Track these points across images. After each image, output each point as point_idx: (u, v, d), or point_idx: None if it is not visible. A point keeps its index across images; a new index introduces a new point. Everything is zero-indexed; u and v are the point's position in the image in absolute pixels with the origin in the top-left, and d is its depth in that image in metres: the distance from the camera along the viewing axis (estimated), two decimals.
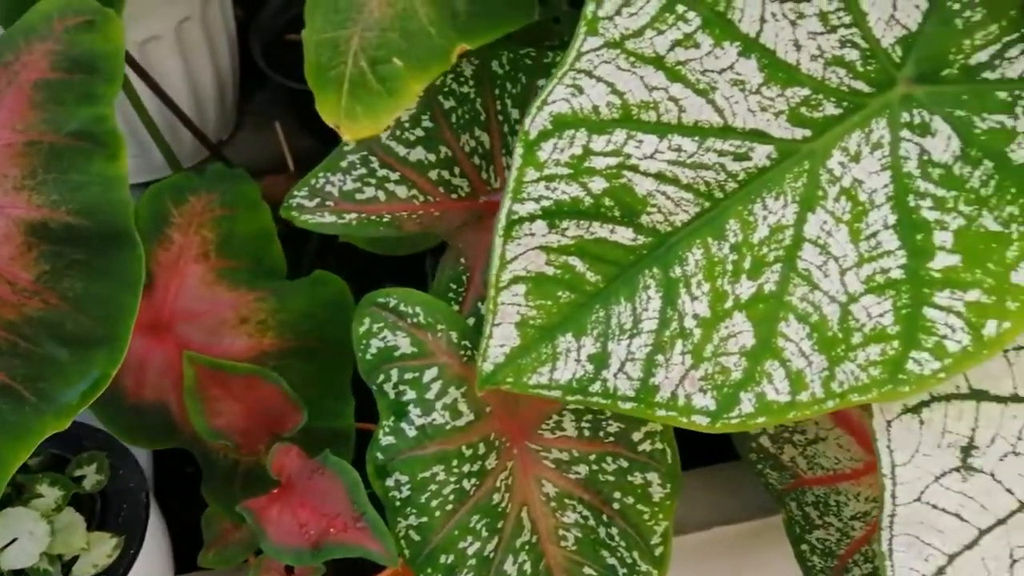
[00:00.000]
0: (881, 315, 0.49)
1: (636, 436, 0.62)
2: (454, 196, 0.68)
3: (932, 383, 0.47)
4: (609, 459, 0.62)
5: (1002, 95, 0.50)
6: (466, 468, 0.59)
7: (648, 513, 0.62)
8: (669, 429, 0.62)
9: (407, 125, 0.68)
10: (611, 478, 0.62)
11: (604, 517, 0.62)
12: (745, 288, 0.52)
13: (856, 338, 0.49)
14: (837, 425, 0.64)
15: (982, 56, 0.51)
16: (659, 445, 0.62)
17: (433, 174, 0.68)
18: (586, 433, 0.62)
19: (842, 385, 0.49)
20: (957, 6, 0.51)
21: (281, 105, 1.03)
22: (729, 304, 0.52)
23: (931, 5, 0.51)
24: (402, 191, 0.67)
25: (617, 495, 0.62)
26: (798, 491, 0.67)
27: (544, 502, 0.62)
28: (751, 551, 0.81)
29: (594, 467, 0.62)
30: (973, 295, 0.48)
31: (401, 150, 0.68)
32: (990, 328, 0.47)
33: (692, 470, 0.80)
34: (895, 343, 0.48)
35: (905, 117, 0.51)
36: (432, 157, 0.68)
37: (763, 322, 0.51)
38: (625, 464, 0.62)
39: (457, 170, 0.68)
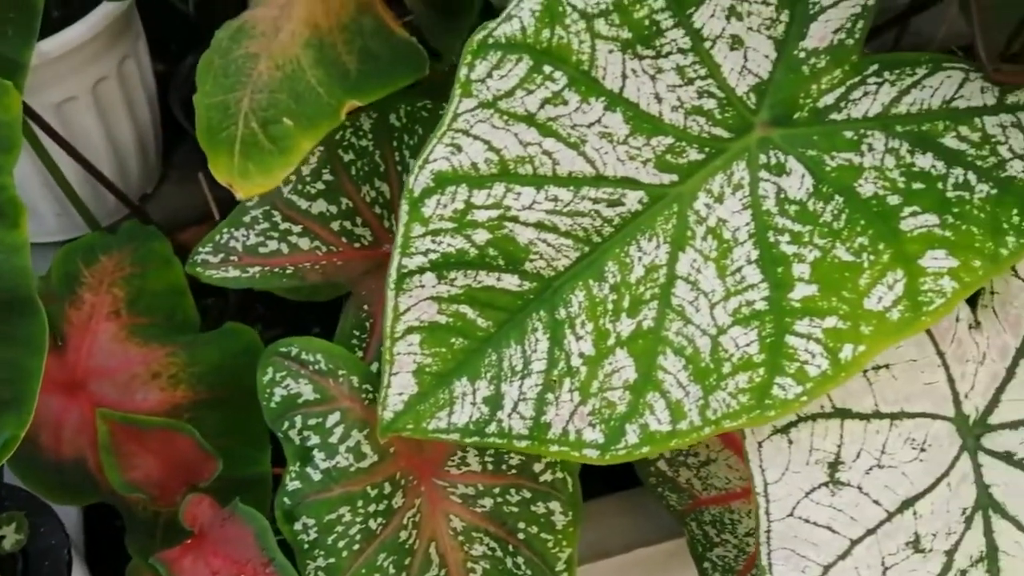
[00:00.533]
0: (748, 345, 0.53)
1: (537, 467, 0.64)
2: (357, 245, 0.71)
3: (796, 407, 0.51)
4: (513, 491, 0.64)
5: (848, 134, 0.55)
6: (372, 508, 0.61)
7: (552, 541, 0.64)
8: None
9: (308, 179, 0.70)
10: (515, 509, 0.64)
11: (510, 547, 0.64)
12: (625, 326, 0.55)
13: (726, 367, 0.53)
14: (726, 447, 0.67)
15: (829, 99, 0.55)
16: (560, 475, 0.64)
17: (335, 225, 0.70)
18: (490, 467, 0.64)
19: (716, 412, 0.52)
20: (803, 54, 0.55)
21: (204, 156, 1.05)
22: (611, 341, 0.55)
23: (779, 54, 0.55)
24: (304, 243, 0.69)
25: (522, 525, 0.64)
26: (696, 511, 0.71)
27: (452, 536, 0.64)
28: (672, 570, 0.85)
29: (499, 499, 0.64)
30: (830, 322, 0.52)
31: (303, 203, 0.70)
32: (846, 352, 0.51)
33: (613, 494, 0.83)
34: (761, 371, 0.52)
35: (762, 159, 0.55)
36: (334, 208, 0.70)
37: (643, 357, 0.55)
38: (528, 495, 0.65)
39: (359, 220, 0.71)
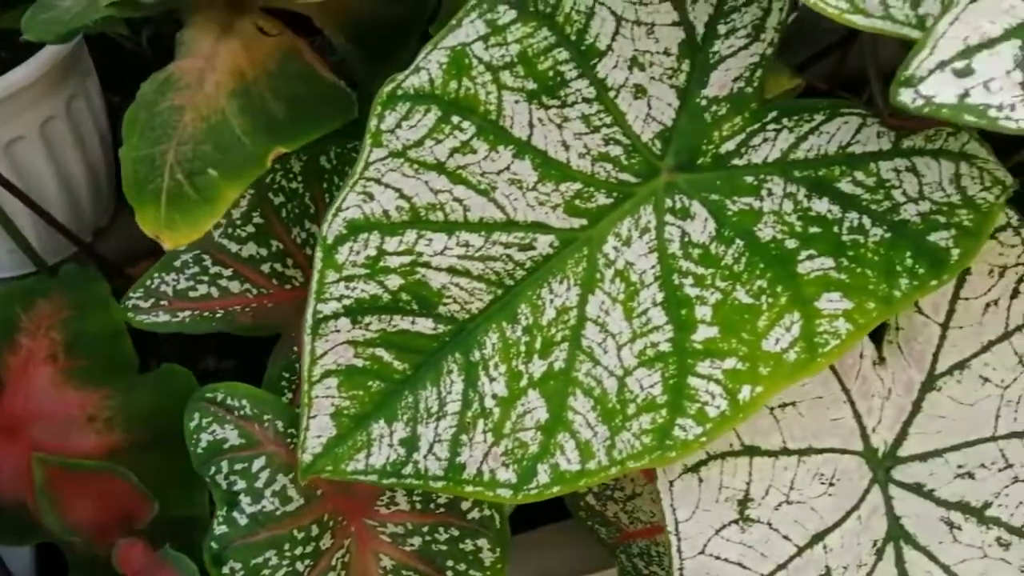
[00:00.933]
0: (652, 386, 0.54)
1: (465, 505, 0.65)
2: (288, 287, 0.72)
3: (696, 447, 0.52)
4: (441, 529, 0.65)
5: (749, 179, 0.56)
6: (299, 550, 0.62)
7: None
8: None
9: (238, 222, 0.72)
10: (444, 547, 0.65)
11: None
12: (537, 367, 0.56)
13: (631, 408, 0.54)
14: (650, 481, 0.69)
15: (730, 145, 0.57)
16: (487, 512, 0.65)
17: (266, 267, 0.71)
18: (418, 506, 0.65)
19: (621, 453, 0.54)
20: (705, 102, 0.57)
21: None
22: (524, 383, 0.56)
23: (682, 102, 0.57)
24: (235, 286, 0.70)
25: (450, 563, 0.65)
26: (625, 544, 0.72)
27: (382, 575, 0.65)
28: None
29: (427, 538, 0.65)
30: (730, 363, 0.53)
31: (233, 247, 0.71)
32: (745, 393, 0.53)
33: (549, 526, 0.84)
34: (663, 411, 0.53)
35: (668, 203, 0.57)
36: (264, 251, 0.72)
37: (554, 397, 0.56)
38: (456, 533, 0.66)
39: (290, 262, 0.72)
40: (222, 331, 0.70)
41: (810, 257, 0.54)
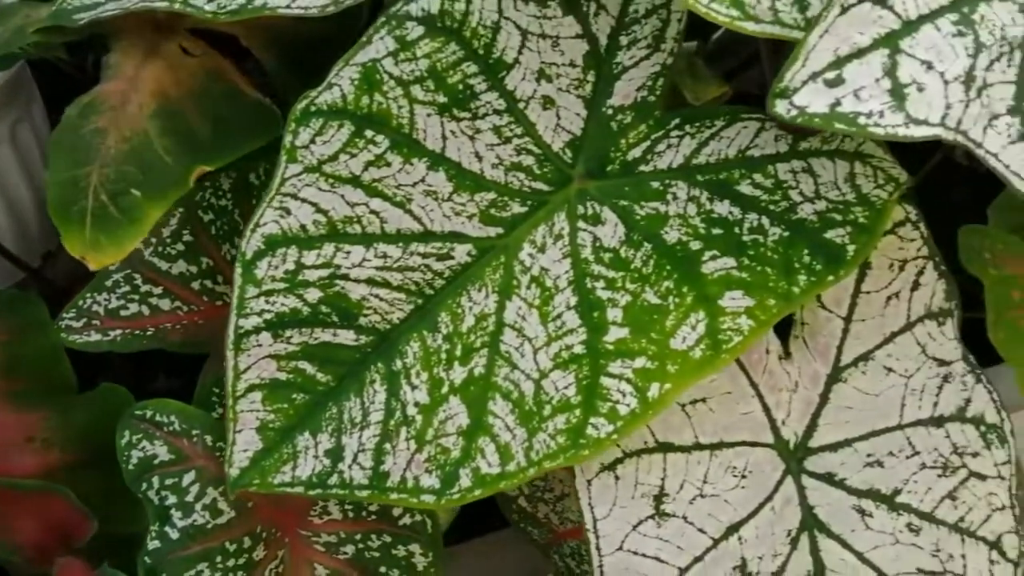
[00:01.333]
0: (566, 387, 0.56)
1: (396, 512, 0.67)
2: (219, 303, 0.73)
3: (607, 444, 0.54)
4: (374, 536, 0.67)
5: (655, 185, 0.58)
6: (231, 563, 0.63)
7: None
8: None
9: (168, 241, 0.73)
10: (377, 554, 0.67)
11: None
12: (458, 373, 0.58)
13: (547, 410, 0.56)
14: None
15: (636, 152, 0.59)
16: (419, 518, 0.67)
17: (196, 284, 0.72)
18: (350, 515, 0.67)
19: (538, 453, 0.55)
20: (611, 111, 0.59)
21: None
22: (445, 389, 0.58)
23: (589, 112, 0.59)
24: (165, 304, 0.71)
25: (383, 569, 0.67)
26: (557, 545, 0.73)
27: None
28: None
29: (360, 545, 0.67)
30: (640, 362, 0.55)
31: (163, 265, 0.72)
32: (654, 390, 0.55)
33: (488, 535, 0.85)
34: (577, 411, 0.55)
35: (580, 210, 0.59)
36: (194, 268, 0.73)
37: (475, 403, 0.57)
38: (389, 539, 0.67)
39: (220, 278, 0.73)
40: (154, 349, 0.71)
41: (713, 257, 0.56)
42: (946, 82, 0.43)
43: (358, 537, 0.67)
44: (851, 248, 0.56)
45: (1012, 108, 0.44)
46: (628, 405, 0.54)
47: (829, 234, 0.56)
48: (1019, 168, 0.44)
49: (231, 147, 0.69)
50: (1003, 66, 0.44)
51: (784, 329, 0.62)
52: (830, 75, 0.42)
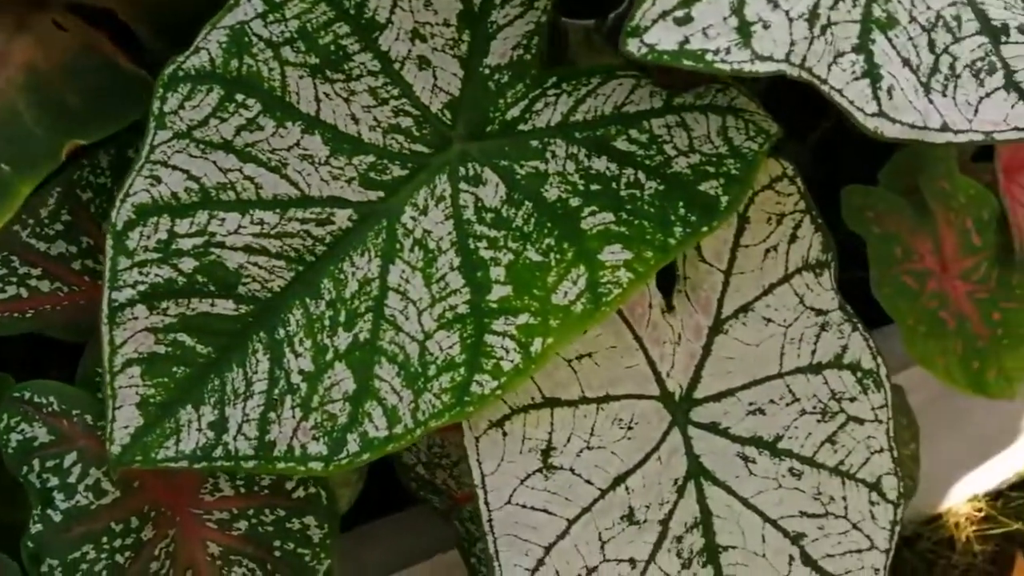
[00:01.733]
0: (451, 347, 0.56)
1: (289, 485, 0.66)
2: (100, 282, 0.71)
3: (492, 400, 0.55)
4: (267, 511, 0.66)
5: (534, 143, 0.59)
6: (118, 543, 0.62)
7: (309, 555, 0.66)
8: None
9: (46, 221, 0.70)
10: (271, 528, 0.66)
11: (268, 566, 0.66)
12: (343, 339, 0.57)
13: (432, 370, 0.56)
14: None
15: (515, 112, 0.59)
16: (312, 490, 0.66)
17: (76, 264, 0.70)
18: (242, 490, 0.66)
19: (424, 414, 0.55)
20: (487, 71, 0.59)
21: None
22: (330, 356, 0.57)
23: (466, 72, 0.59)
24: (45, 285, 0.69)
25: (278, 543, 0.66)
26: (457, 510, 0.74)
27: (210, 562, 0.65)
28: None
29: (254, 520, 0.66)
30: (523, 319, 0.56)
31: (42, 246, 0.70)
32: (536, 345, 0.55)
33: (394, 514, 0.85)
34: (462, 370, 0.55)
35: (462, 171, 0.59)
36: (74, 248, 0.70)
37: (360, 368, 0.57)
38: (283, 513, 0.66)
39: (102, 257, 0.71)
40: (36, 331, 0.69)
41: (592, 213, 0.57)
42: (791, 20, 0.45)
43: (251, 512, 0.66)
44: (724, 199, 0.57)
45: (857, 46, 0.46)
46: (512, 361, 0.55)
47: (703, 186, 0.57)
48: (862, 103, 0.45)
49: (106, 120, 0.67)
50: (848, 5, 0.45)
51: (667, 284, 0.63)
52: (679, 13, 0.43)
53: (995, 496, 1.42)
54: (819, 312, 0.64)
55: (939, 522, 1.40)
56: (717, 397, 0.63)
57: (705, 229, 0.56)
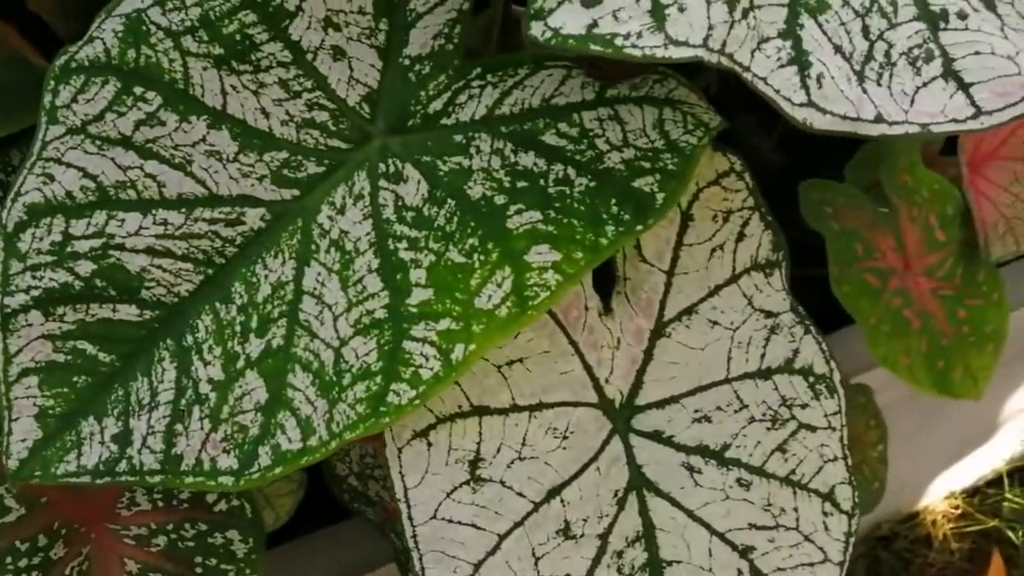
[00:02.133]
0: (367, 354, 0.52)
1: (211, 498, 0.63)
2: None
3: (409, 411, 0.51)
4: (187, 525, 0.62)
5: (458, 138, 0.55)
6: (23, 563, 0.58)
7: (234, 571, 0.63)
8: None
9: None
10: (192, 544, 0.62)
11: None
12: (255, 346, 0.54)
13: (347, 379, 0.52)
14: None
15: (437, 104, 0.56)
16: (236, 502, 0.63)
17: None
18: (160, 504, 0.62)
19: (339, 425, 0.52)
20: (408, 62, 0.56)
21: None
22: (241, 364, 0.54)
23: (385, 63, 0.56)
24: None
25: (199, 559, 0.62)
26: (391, 523, 0.70)
27: None
28: None
29: (173, 536, 0.62)
30: (444, 324, 0.52)
31: None
32: (458, 352, 0.52)
33: (331, 527, 0.82)
34: (378, 379, 0.52)
35: (382, 168, 0.55)
36: None
37: (273, 376, 0.54)
38: (204, 527, 0.63)
39: None
40: None
41: (519, 212, 0.53)
42: (709, 2, 0.41)
43: (170, 527, 0.62)
44: (660, 196, 0.53)
45: (783, 31, 0.42)
46: (431, 369, 0.51)
47: (637, 183, 0.54)
48: (789, 92, 0.42)
49: (16, 116, 0.64)
50: None
51: (605, 285, 0.60)
52: None
53: (972, 493, 1.39)
54: (769, 314, 0.61)
55: (916, 520, 1.37)
56: (660, 404, 0.60)
57: (639, 228, 0.53)
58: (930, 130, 0.41)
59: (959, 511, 1.37)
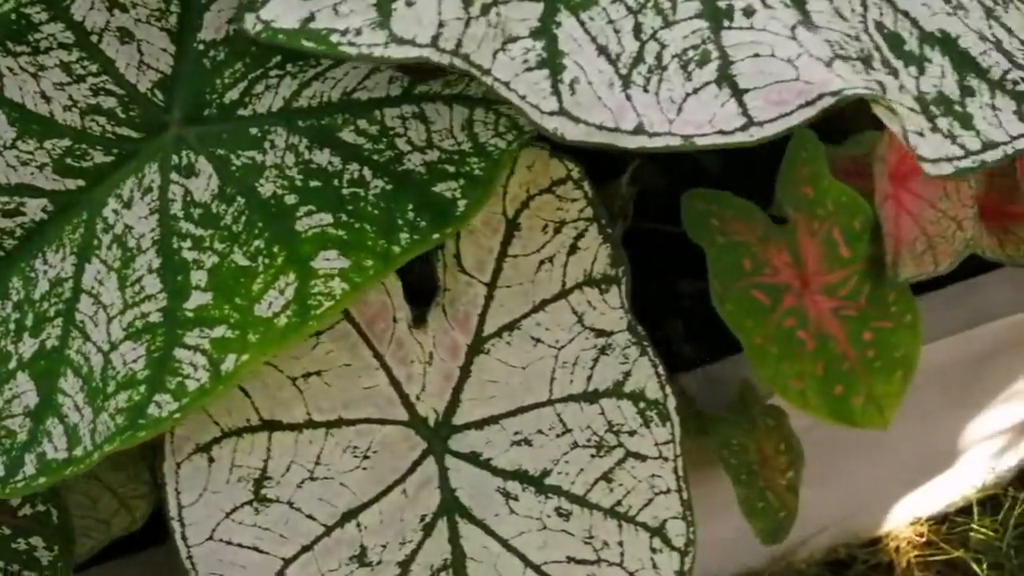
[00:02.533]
0: (135, 361, 0.49)
1: (15, 502, 0.60)
2: None
3: (168, 424, 0.47)
4: None
5: (253, 131, 0.51)
6: None
7: None
8: (56, 488, 0.61)
9: None
10: None
11: None
12: (28, 346, 0.51)
13: (111, 387, 0.49)
14: None
15: (234, 94, 0.52)
16: (41, 507, 0.60)
17: None
18: None
19: (100, 436, 0.49)
20: (202, 47, 0.52)
21: None
22: (13, 364, 0.51)
23: (178, 47, 0.52)
24: None
25: (1, 564, 0.60)
26: None
27: None
28: None
29: None
30: (219, 331, 0.48)
31: None
32: (229, 363, 0.48)
33: None
34: (142, 388, 0.48)
35: (175, 160, 0.52)
36: None
37: (44, 379, 0.50)
38: (7, 531, 0.60)
39: None
40: None
41: (309, 213, 0.50)
42: None
43: None
44: (462, 203, 0.49)
45: (537, 30, 0.38)
46: (198, 380, 0.48)
47: (438, 187, 0.49)
48: (537, 100, 0.37)
49: None
50: None
51: (423, 295, 0.56)
52: None
53: (940, 520, 1.33)
54: (600, 333, 0.56)
55: (878, 546, 1.31)
56: (479, 424, 0.56)
57: (436, 236, 0.49)
58: (694, 143, 0.37)
59: (924, 539, 1.31)
